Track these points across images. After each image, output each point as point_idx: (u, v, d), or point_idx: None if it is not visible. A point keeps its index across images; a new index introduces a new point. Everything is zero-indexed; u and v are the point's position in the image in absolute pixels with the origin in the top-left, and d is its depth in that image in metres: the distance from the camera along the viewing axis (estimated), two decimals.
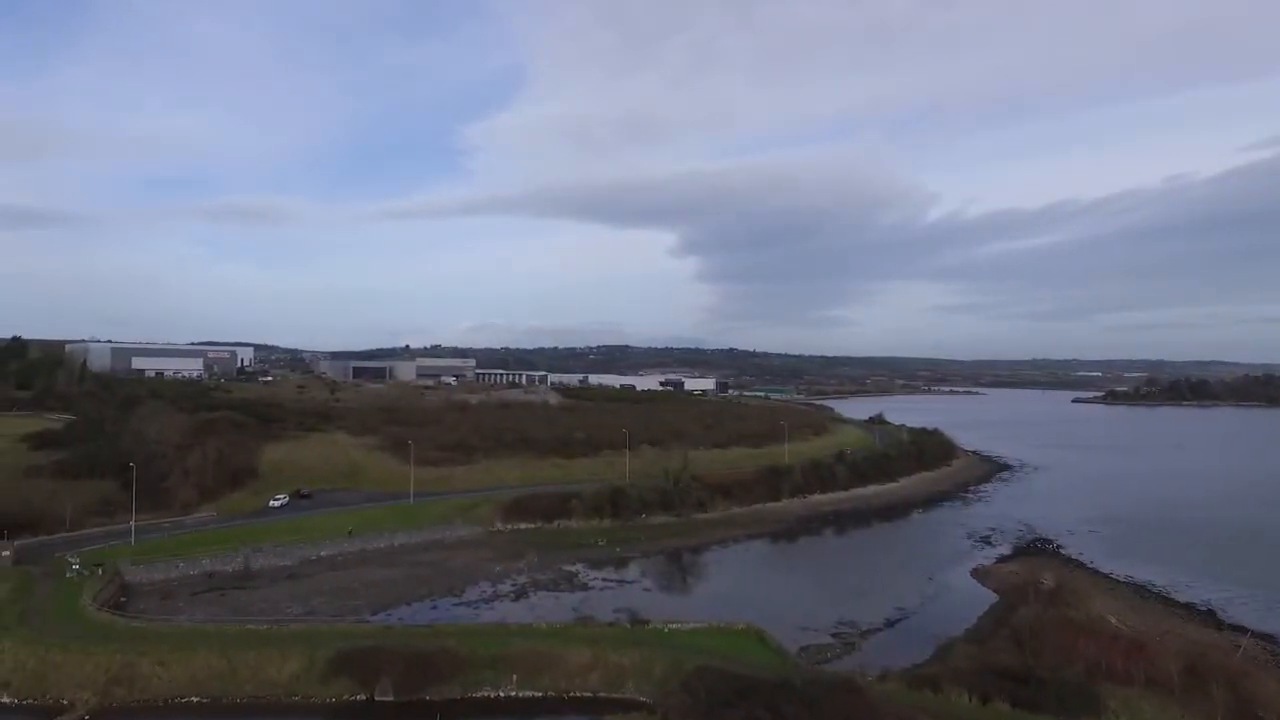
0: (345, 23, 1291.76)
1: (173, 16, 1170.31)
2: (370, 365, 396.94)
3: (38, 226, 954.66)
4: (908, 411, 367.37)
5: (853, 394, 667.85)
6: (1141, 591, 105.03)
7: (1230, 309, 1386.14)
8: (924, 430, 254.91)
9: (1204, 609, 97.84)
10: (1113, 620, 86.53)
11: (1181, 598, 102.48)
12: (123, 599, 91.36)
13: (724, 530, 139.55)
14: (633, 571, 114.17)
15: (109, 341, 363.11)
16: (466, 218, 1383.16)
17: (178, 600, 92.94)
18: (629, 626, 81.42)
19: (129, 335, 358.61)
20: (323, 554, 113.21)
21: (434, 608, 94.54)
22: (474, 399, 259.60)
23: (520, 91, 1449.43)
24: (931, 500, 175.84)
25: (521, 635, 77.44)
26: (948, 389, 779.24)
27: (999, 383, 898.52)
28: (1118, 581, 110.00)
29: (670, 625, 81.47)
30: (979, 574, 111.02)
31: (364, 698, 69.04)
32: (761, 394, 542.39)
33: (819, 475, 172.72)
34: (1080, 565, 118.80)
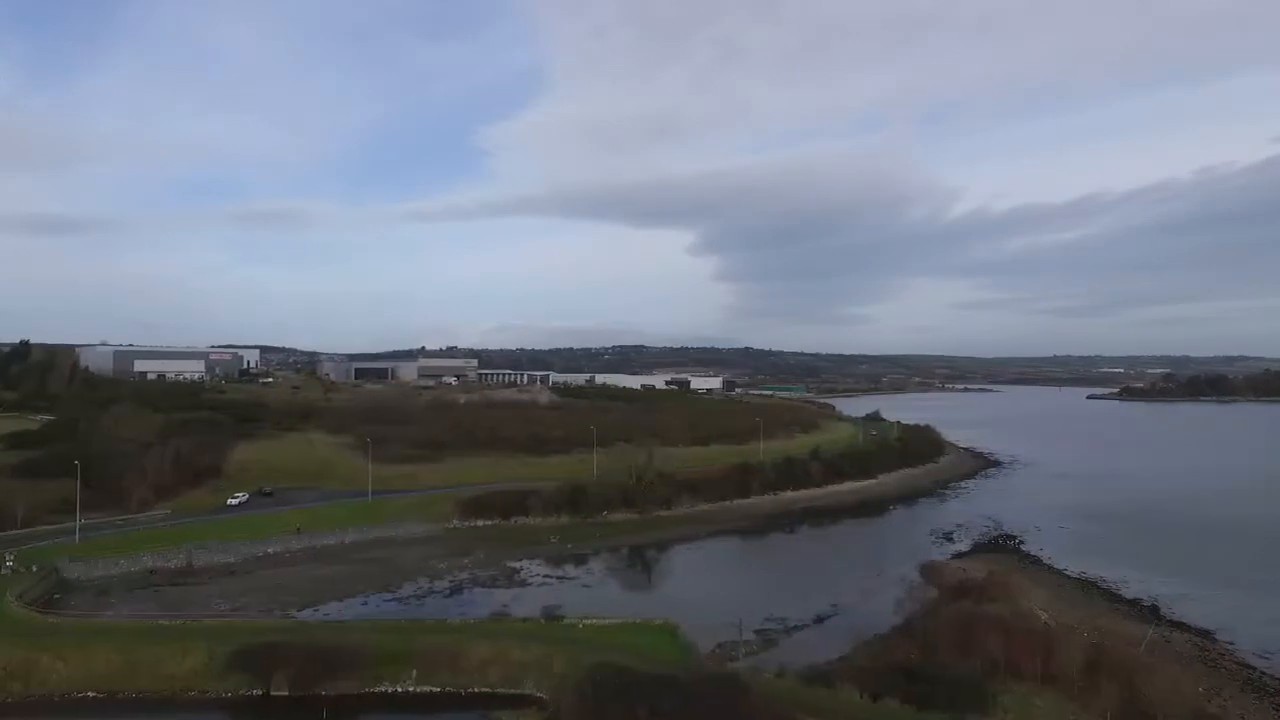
0: (368, 24, 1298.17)
1: (198, 22, 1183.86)
2: (372, 366, 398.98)
3: (68, 233, 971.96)
4: (913, 409, 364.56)
5: (865, 392, 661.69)
6: (1088, 587, 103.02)
7: (1260, 303, 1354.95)
8: (915, 427, 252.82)
9: (1149, 604, 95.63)
10: (1042, 615, 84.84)
11: (1130, 594, 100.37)
12: (56, 596, 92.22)
13: (685, 527, 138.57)
14: (577, 568, 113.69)
15: (130, 345, 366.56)
16: (488, 219, 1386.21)
17: (112, 597, 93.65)
18: (543, 622, 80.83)
19: (156, 339, 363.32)
20: (269, 551, 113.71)
21: (364, 604, 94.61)
22: (463, 398, 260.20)
23: (542, 90, 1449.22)
24: (908, 497, 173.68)
25: (427, 631, 77.06)
26: (962, 386, 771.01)
27: (1019, 380, 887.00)
28: (1068, 577, 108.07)
29: (586, 621, 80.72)
30: (927, 571, 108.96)
31: (260, 693, 68.94)
32: (769, 392, 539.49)
33: (792, 472, 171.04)
34: (1037, 561, 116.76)
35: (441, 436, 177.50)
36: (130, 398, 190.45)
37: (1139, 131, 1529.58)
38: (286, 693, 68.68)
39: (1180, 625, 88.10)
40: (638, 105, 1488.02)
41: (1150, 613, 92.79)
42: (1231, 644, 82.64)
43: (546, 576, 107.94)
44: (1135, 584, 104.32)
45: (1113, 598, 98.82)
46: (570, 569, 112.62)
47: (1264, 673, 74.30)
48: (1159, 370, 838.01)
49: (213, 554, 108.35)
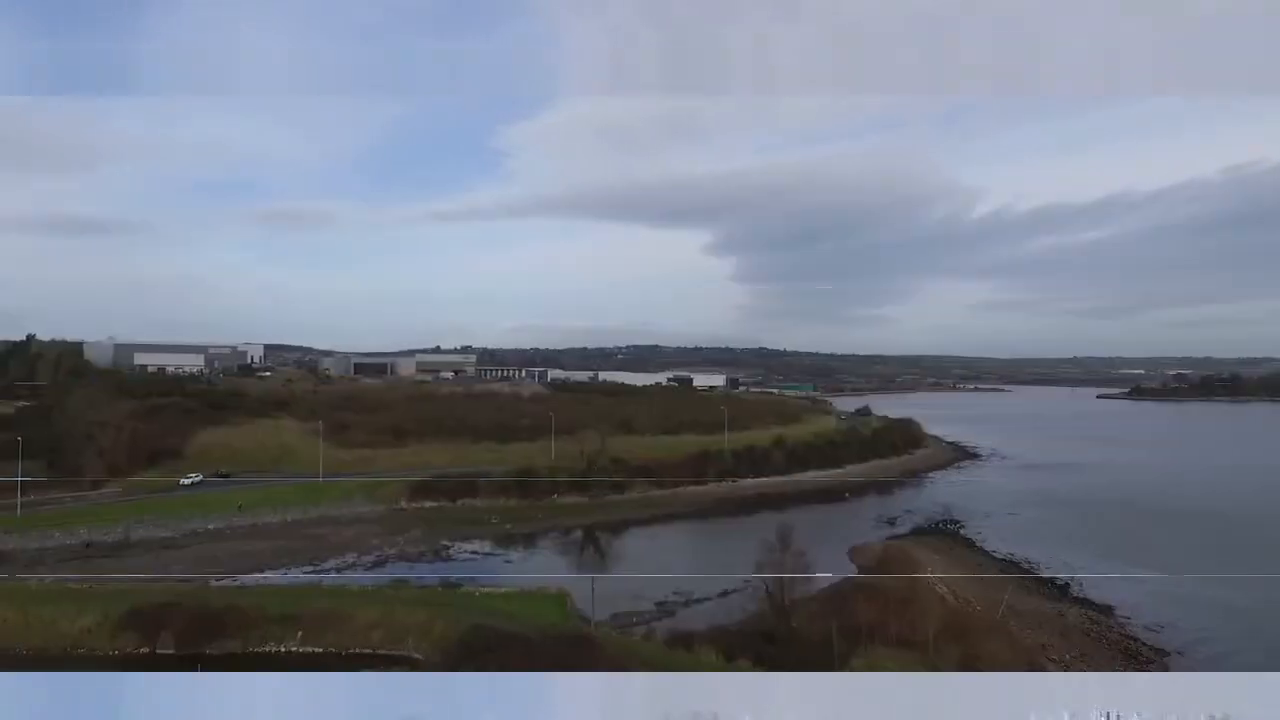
0: (387, 24, 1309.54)
1: (218, 24, 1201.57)
2: (372, 362, 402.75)
3: (91, 234, 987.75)
4: (915, 407, 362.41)
5: (874, 391, 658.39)
6: (1009, 567, 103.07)
7: None
8: (898, 420, 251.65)
9: (1062, 584, 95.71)
10: (941, 590, 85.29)
11: (1048, 574, 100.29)
12: None
13: (632, 511, 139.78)
14: (508, 546, 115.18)
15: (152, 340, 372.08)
16: (507, 219, 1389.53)
17: (43, 567, 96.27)
18: (439, 590, 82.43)
19: (177, 338, 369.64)
20: (209, 527, 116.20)
21: (284, 574, 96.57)
22: (444, 390, 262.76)
23: (561, 91, 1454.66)
24: (871, 486, 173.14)
25: (320, 595, 78.91)
26: (974, 387, 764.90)
27: (1035, 380, 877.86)
28: (994, 558, 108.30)
29: (481, 590, 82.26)
30: (852, 551, 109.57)
31: (146, 651, 71.06)
32: (775, 390, 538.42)
33: (753, 460, 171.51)
34: (969, 544, 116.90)
35: (407, 424, 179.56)
36: (111, 386, 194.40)
37: (1165, 130, 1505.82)
38: (172, 651, 70.82)
39: (1083, 601, 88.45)
40: (656, 105, 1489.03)
41: (1060, 590, 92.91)
42: (1128, 618, 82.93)
43: (474, 553, 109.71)
44: (1060, 566, 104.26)
45: (1027, 576, 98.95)
46: (500, 547, 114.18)
47: (1142, 642, 74.74)
48: (1181, 372, 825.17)
49: (149, 529, 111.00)
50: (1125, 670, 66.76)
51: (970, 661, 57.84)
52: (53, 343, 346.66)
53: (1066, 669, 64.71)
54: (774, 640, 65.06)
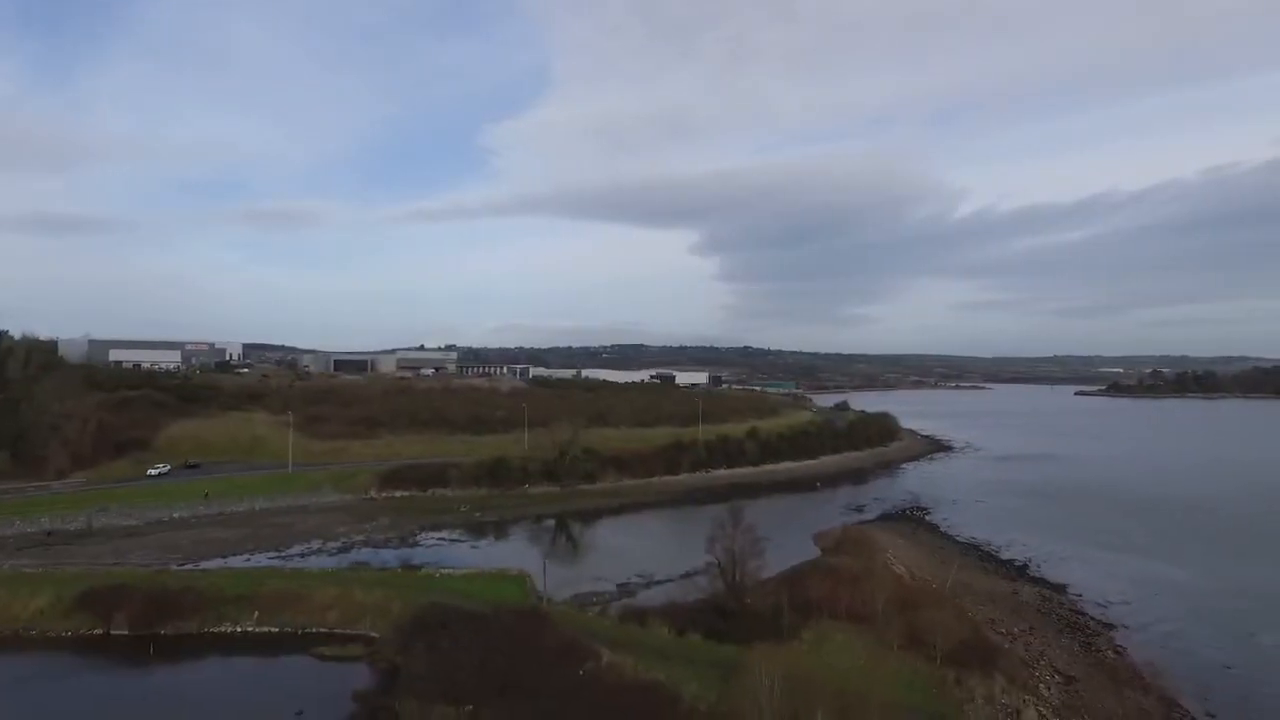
0: (375, 24, 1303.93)
1: (206, 22, 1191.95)
2: (352, 359, 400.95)
3: (77, 233, 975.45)
4: (893, 403, 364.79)
5: (857, 389, 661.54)
6: (969, 550, 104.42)
7: (1264, 304, 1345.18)
8: (873, 415, 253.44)
9: (1020, 564, 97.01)
10: (899, 569, 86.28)
11: (1007, 555, 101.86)
12: None
13: (603, 500, 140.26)
14: (477, 534, 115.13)
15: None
16: (493, 218, 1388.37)
17: (1, 554, 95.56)
18: (399, 571, 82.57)
19: (158, 337, 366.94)
20: (175, 515, 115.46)
21: (248, 560, 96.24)
22: (422, 385, 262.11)
23: (550, 89, 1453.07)
24: (843, 476, 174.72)
25: (278, 577, 78.85)
26: (954, 385, 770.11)
27: (1016, 379, 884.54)
28: (956, 541, 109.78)
29: (442, 571, 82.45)
30: (817, 535, 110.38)
31: (100, 631, 70.80)
32: (758, 388, 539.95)
33: (726, 451, 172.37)
34: (933, 528, 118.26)
35: (381, 416, 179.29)
36: (79, 378, 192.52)
37: (1147, 131, 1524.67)
38: (126, 631, 70.62)
39: (1039, 580, 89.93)
40: (645, 105, 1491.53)
41: (1017, 571, 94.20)
42: (1079, 595, 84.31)
43: (441, 539, 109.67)
44: (1019, 548, 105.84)
45: (987, 558, 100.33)
46: (468, 534, 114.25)
47: (1091, 617, 76.10)
48: (1160, 370, 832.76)
49: (112, 517, 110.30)
50: (1070, 641, 67.98)
51: (917, 631, 58.66)
52: (24, 339, 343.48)
53: (1012, 640, 65.78)
54: (725, 615, 65.57)
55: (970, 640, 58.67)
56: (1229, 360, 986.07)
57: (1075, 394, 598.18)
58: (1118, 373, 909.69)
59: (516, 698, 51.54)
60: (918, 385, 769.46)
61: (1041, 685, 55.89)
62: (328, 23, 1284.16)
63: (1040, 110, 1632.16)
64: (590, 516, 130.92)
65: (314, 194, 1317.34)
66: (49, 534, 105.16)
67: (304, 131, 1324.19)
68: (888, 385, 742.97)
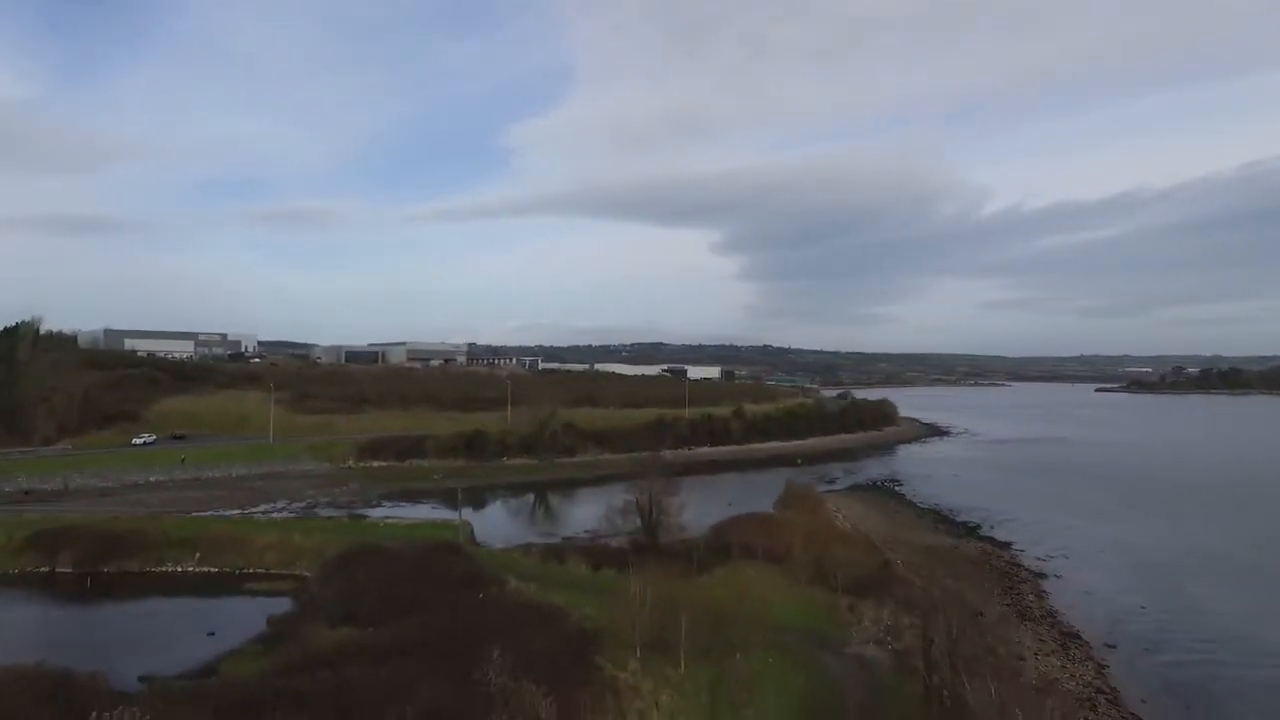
0: (393, 23, 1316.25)
1: (224, 24, 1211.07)
2: (363, 351, 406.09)
3: (99, 233, 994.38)
4: (905, 397, 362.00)
5: (873, 385, 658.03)
6: (924, 513, 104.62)
7: None
8: (872, 401, 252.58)
9: (973, 525, 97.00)
10: (843, 525, 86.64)
11: (963, 519, 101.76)
12: None
13: (578, 472, 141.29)
14: (442, 499, 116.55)
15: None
16: (513, 218, 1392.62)
17: None
18: (345, 520, 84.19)
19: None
20: (151, 479, 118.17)
21: (206, 514, 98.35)
22: (424, 372, 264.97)
23: (569, 89, 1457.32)
24: (830, 455, 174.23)
25: (221, 523, 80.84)
26: (974, 382, 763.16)
27: (1040, 377, 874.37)
28: (916, 506, 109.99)
29: (386, 520, 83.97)
30: (777, 500, 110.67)
31: (46, 570, 73.10)
32: (772, 382, 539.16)
33: (711, 430, 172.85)
34: (898, 496, 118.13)
35: (370, 395, 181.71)
36: (80, 357, 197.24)
37: (1180, 126, 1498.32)
38: (70, 570, 72.85)
39: (986, 539, 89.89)
40: (664, 103, 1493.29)
41: (968, 531, 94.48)
42: (1021, 551, 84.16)
43: (402, 501, 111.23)
44: (980, 514, 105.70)
45: (942, 520, 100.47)
46: (435, 499, 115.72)
47: (1025, 569, 76.08)
48: (1190, 370, 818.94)
49: (90, 479, 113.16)
50: (994, 586, 68.00)
51: (827, 567, 59.04)
52: (32, 320, 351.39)
53: (929, 582, 65.54)
54: (641, 552, 66.40)
55: (875, 575, 59.00)
56: (1263, 360, 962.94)
57: (1095, 390, 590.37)
58: (1146, 372, 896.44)
59: (414, 617, 52.94)
60: (939, 382, 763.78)
61: (940, 616, 55.86)
62: (347, 24, 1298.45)
63: (1068, 105, 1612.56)
64: (564, 487, 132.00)
65: (334, 194, 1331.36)
66: (26, 493, 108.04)
67: (324, 132, 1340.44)
68: (905, 383, 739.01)
